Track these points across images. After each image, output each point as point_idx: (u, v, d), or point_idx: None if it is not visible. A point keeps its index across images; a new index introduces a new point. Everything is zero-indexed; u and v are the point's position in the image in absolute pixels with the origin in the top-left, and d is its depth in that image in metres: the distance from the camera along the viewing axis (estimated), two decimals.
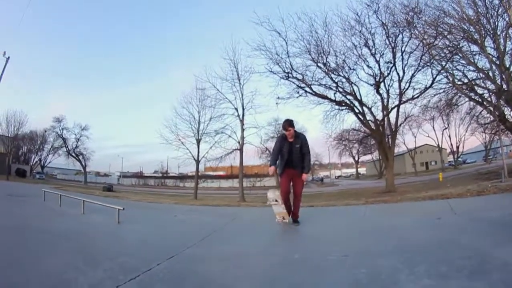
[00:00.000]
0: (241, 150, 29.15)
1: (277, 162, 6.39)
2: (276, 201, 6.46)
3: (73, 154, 56.65)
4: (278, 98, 24.98)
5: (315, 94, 24.63)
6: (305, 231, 6.13)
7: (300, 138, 6.21)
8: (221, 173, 68.07)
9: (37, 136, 58.81)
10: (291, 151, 6.18)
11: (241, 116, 28.93)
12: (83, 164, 57.86)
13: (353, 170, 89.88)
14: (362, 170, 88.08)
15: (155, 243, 5.18)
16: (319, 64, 23.67)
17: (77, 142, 56.30)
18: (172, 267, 3.55)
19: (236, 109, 29.04)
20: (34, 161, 63.60)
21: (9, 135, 51.09)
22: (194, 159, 32.09)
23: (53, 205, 10.52)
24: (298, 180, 6.36)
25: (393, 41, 21.94)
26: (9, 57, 27.90)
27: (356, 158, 79.12)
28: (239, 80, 28.45)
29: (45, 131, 57.42)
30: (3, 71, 28.36)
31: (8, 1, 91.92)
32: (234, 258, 3.86)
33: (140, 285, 2.84)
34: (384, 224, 5.97)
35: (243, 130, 28.86)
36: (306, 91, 24.65)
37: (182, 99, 33.55)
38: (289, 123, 6.11)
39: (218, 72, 30.80)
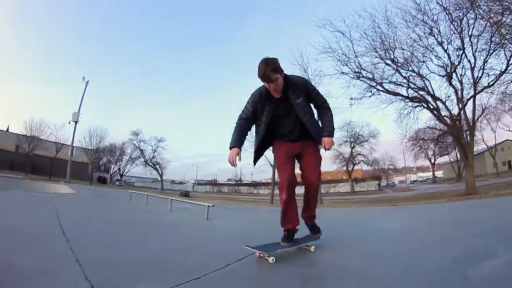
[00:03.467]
0: None
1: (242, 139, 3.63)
2: None
3: (150, 164, 62.90)
4: (351, 99, 24.15)
5: (387, 91, 23.58)
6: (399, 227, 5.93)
7: (301, 85, 3.57)
8: None
9: (116, 148, 65.67)
10: (286, 114, 3.58)
11: None
12: (160, 172, 63.87)
13: (429, 174, 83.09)
14: (438, 174, 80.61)
15: (247, 235, 5.39)
16: (387, 61, 22.75)
17: (153, 153, 62.98)
18: None
19: None
20: (114, 170, 70.58)
21: (92, 147, 59.27)
22: (271, 164, 32.78)
23: (140, 204, 11.32)
24: (311, 155, 3.74)
25: (459, 25, 20.12)
26: (88, 81, 31.67)
27: (432, 160, 72.82)
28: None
29: (123, 144, 64.73)
30: (83, 94, 32.86)
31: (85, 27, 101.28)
32: (327, 247, 3.97)
33: (234, 271, 3.03)
34: (469, 216, 6.25)
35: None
36: (378, 90, 23.79)
37: None
38: (271, 67, 3.26)
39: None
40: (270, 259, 3.22)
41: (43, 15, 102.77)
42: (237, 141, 3.51)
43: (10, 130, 57.35)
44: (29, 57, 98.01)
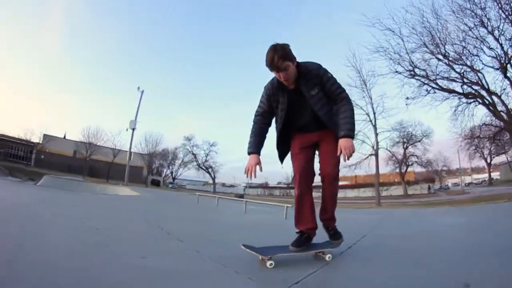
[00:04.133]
0: (376, 155, 28.68)
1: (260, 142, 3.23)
2: None
3: (203, 167, 64.52)
4: (407, 98, 23.63)
5: (441, 89, 22.80)
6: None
7: (315, 73, 3.04)
8: (345, 182, 66.69)
9: (169, 152, 68.64)
10: (302, 107, 3.13)
11: (373, 121, 28.47)
12: (213, 176, 65.28)
13: (484, 175, 76.93)
14: (495, 175, 74.60)
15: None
16: (438, 56, 21.98)
17: (206, 157, 64.42)
18: (369, 240, 4.39)
19: (368, 114, 28.74)
20: (166, 173, 73.35)
21: (147, 152, 63.94)
22: None
23: (210, 206, 11.42)
24: (328, 142, 3.19)
25: (510, 13, 19.01)
26: (143, 91, 33.69)
27: (488, 160, 67.41)
28: (365, 84, 28.18)
29: (176, 149, 67.59)
30: (139, 103, 35.86)
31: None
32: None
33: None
34: None
35: (376, 134, 28.38)
36: (432, 87, 23.01)
37: None
38: (280, 54, 2.80)
39: (345, 80, 30.60)
40: (268, 264, 2.79)
41: (97, 25, 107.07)
42: (255, 145, 3.12)
43: (67, 137, 63.51)
44: (83, 69, 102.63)
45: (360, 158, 30.91)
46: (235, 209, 9.92)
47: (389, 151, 37.72)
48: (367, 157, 29.71)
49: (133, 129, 36.60)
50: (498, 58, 20.66)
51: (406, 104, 24.03)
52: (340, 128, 2.94)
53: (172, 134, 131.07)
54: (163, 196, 21.20)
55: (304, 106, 3.07)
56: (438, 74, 22.56)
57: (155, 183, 63.46)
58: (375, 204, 26.53)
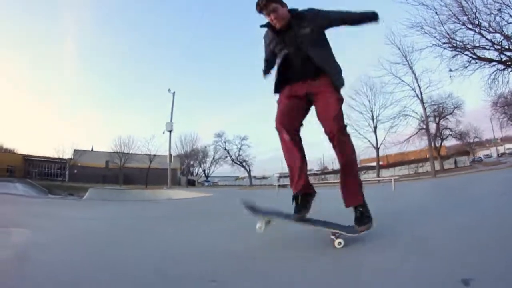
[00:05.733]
0: (427, 129, 28.50)
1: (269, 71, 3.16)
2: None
3: (237, 162, 64.86)
4: (450, 70, 23.78)
5: (478, 58, 22.89)
6: None
7: (311, 15, 2.84)
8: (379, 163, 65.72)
9: (199, 151, 69.16)
10: (293, 50, 2.84)
11: (420, 96, 28.41)
12: (248, 169, 65.38)
13: None
14: None
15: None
16: (471, 26, 22.12)
17: (239, 151, 64.66)
18: None
19: (414, 89, 28.99)
20: (197, 172, 74.07)
21: (183, 153, 66.34)
22: (373, 146, 32.83)
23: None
24: (325, 98, 2.82)
25: None
26: (174, 92, 34.42)
27: None
28: (408, 60, 28.56)
29: (205, 147, 68.33)
30: (172, 104, 37.71)
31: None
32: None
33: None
34: None
35: (425, 109, 28.19)
36: (472, 57, 23.01)
37: (351, 91, 36.73)
38: None
39: (387, 58, 30.92)
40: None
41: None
42: (266, 68, 3.17)
43: (94, 149, 66.47)
44: (103, 81, 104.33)
45: (405, 136, 31.13)
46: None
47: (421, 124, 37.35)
48: (418, 131, 29.96)
49: (170, 131, 36.84)
50: None
51: (450, 77, 24.15)
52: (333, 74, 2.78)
53: (200, 132, 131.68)
54: (237, 194, 20.79)
55: (295, 49, 2.82)
56: (473, 43, 22.64)
57: (191, 183, 63.87)
58: (431, 176, 26.89)
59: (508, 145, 76.56)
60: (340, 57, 2.96)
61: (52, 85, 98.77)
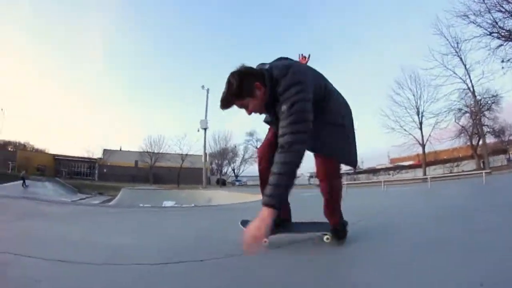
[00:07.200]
0: (479, 124, 27.82)
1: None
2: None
3: None
4: (502, 61, 23.12)
5: None
6: None
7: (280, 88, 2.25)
8: (410, 162, 63.55)
9: (228, 150, 69.36)
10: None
11: (471, 88, 27.52)
12: None
13: None
14: None
15: None
16: None
17: None
18: None
19: (465, 82, 28.18)
20: (225, 171, 73.50)
21: (216, 152, 66.89)
22: (419, 143, 31.86)
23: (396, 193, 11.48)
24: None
25: None
26: (208, 89, 36.29)
27: None
28: (457, 51, 27.84)
29: (235, 146, 69.31)
30: (207, 101, 37.87)
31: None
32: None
33: None
34: None
35: (477, 102, 27.28)
36: None
37: (395, 85, 36.03)
38: (232, 91, 2.27)
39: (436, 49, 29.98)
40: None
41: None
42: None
43: (122, 149, 67.18)
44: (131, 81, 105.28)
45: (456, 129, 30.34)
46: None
47: (457, 123, 35.97)
48: (470, 126, 29.16)
49: (205, 129, 36.59)
50: None
51: (502, 68, 23.57)
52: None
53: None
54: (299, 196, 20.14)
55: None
56: None
57: (222, 183, 62.96)
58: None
59: None
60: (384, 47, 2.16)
61: (81, 84, 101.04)
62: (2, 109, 57.47)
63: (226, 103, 2.31)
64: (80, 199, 34.20)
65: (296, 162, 2.07)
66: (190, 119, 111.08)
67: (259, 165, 2.77)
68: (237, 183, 66.60)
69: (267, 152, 2.62)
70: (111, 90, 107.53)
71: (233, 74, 2.26)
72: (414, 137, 33.05)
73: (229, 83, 2.25)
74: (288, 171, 2.05)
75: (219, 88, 2.37)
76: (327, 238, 2.78)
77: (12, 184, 33.82)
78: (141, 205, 21.10)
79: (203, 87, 35.58)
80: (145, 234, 4.07)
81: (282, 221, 2.79)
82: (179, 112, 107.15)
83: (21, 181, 36.58)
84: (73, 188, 45.84)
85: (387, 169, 61.18)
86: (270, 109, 2.40)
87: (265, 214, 1.93)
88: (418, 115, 32.61)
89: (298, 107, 2.12)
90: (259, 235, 1.87)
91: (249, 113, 2.38)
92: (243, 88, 2.23)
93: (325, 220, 2.85)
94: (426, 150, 34.63)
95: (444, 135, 32.84)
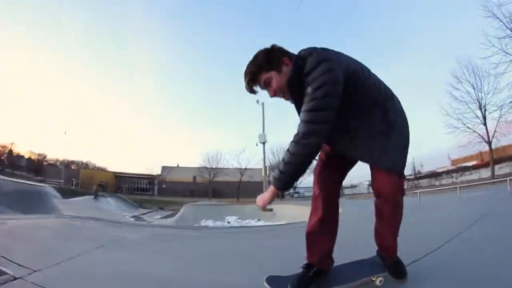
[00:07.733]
0: None
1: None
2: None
3: None
4: None
5: None
6: None
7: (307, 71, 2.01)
8: (473, 162, 57.62)
9: None
10: None
11: None
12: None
13: None
14: None
15: None
16: None
17: None
18: None
19: None
20: None
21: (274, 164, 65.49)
22: (485, 141, 29.57)
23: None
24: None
25: None
26: (263, 103, 36.00)
27: None
28: None
29: None
30: (263, 115, 37.17)
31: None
32: None
33: None
34: None
35: None
36: None
37: (453, 80, 33.50)
38: (249, 76, 2.16)
39: (491, 33, 27.31)
40: None
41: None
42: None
43: (180, 165, 71.92)
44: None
45: None
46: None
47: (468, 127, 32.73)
48: None
49: (263, 143, 36.45)
50: None
51: None
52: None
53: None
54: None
55: None
56: None
57: (282, 195, 62.76)
58: None
59: None
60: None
61: (140, 104, 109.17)
62: (65, 132, 65.21)
63: (252, 76, 2.15)
64: (142, 214, 35.64)
65: (305, 154, 2.02)
66: (247, 133, 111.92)
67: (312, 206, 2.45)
68: (295, 195, 66.45)
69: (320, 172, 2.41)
70: (169, 109, 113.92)
71: (261, 49, 2.20)
72: (479, 134, 30.21)
73: (256, 55, 2.18)
74: (294, 162, 2.03)
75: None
76: (380, 281, 2.18)
77: (81, 198, 38.11)
78: (204, 220, 21.22)
79: (257, 101, 35.51)
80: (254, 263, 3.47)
81: (319, 273, 2.29)
82: (236, 127, 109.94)
83: (93, 196, 41.49)
84: (134, 203, 47.99)
85: (449, 172, 56.66)
86: (296, 95, 2.14)
87: (271, 189, 2.09)
88: (480, 109, 29.56)
89: (324, 91, 1.90)
90: (265, 200, 2.09)
91: (273, 94, 2.19)
92: (271, 58, 2.14)
93: (370, 251, 2.42)
94: (492, 147, 31.64)
95: (511, 128, 29.73)
